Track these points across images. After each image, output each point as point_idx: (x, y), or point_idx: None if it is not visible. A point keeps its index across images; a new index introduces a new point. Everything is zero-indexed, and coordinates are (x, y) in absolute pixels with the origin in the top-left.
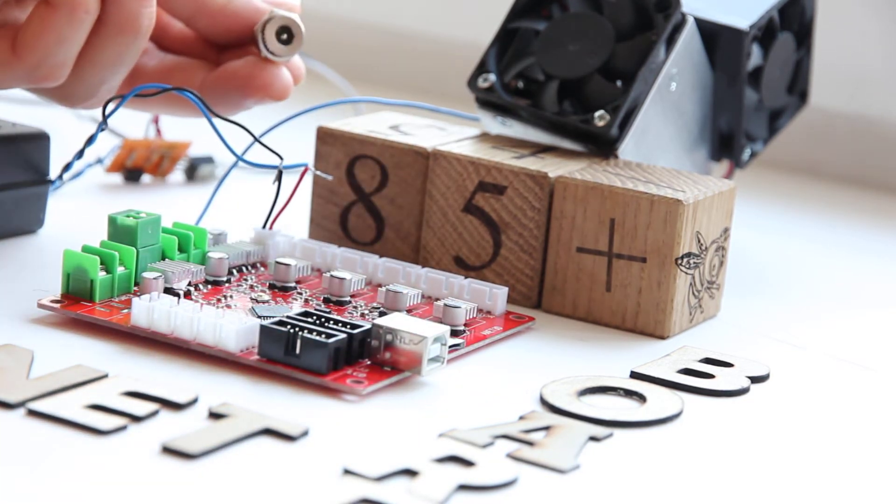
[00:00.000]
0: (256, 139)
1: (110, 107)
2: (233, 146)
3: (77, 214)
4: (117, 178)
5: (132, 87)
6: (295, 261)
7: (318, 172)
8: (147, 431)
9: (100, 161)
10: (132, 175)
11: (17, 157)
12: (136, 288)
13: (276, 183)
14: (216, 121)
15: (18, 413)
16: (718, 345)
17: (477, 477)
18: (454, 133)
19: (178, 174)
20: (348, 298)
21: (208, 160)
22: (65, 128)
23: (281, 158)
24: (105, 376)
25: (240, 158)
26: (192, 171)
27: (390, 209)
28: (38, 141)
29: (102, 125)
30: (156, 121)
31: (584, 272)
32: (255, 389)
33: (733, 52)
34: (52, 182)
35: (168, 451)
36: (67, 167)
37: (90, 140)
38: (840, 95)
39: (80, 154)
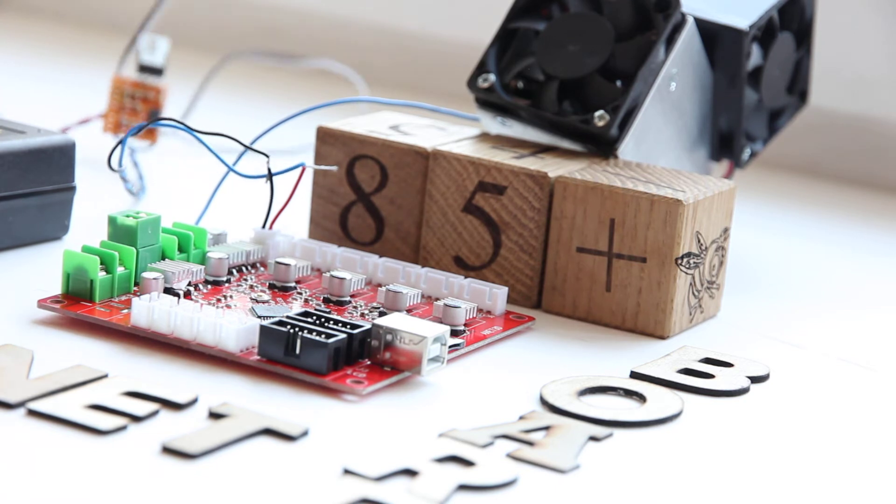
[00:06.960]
0: (246, 147)
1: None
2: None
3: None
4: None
5: None
6: (295, 261)
7: (320, 166)
8: (147, 431)
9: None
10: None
11: (42, 163)
12: (136, 288)
13: (268, 182)
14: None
15: (18, 413)
16: (718, 345)
17: (477, 477)
18: (454, 133)
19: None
20: (348, 298)
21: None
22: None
23: (267, 157)
24: (105, 376)
25: (231, 169)
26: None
27: (390, 209)
28: (63, 148)
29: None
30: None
31: (584, 272)
32: (255, 389)
33: (733, 52)
34: (74, 188)
35: (168, 451)
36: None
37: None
38: (840, 95)
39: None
